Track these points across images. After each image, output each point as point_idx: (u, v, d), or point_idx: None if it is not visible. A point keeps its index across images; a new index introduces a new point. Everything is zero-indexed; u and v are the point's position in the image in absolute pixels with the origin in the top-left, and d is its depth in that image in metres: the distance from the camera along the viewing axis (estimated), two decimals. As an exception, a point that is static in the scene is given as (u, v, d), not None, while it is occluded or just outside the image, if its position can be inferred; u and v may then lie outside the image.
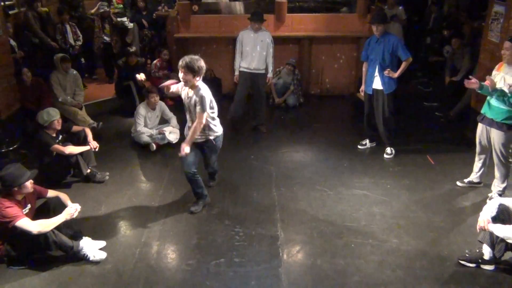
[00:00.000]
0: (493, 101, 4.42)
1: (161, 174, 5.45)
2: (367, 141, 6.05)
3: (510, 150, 4.55)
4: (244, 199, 4.83)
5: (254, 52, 6.25)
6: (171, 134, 6.07)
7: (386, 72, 5.47)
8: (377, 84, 5.59)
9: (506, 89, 4.27)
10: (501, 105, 4.34)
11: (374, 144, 6.03)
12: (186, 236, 4.23)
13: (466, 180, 5.02)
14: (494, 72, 4.49)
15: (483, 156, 4.81)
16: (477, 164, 4.90)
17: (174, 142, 6.04)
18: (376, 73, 5.56)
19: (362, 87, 5.83)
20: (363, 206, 4.71)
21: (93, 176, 5.18)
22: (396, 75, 5.50)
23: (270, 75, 6.46)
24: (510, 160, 4.60)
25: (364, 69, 5.79)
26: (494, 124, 4.45)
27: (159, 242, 4.15)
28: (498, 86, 4.34)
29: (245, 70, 6.37)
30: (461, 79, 7.07)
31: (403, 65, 5.49)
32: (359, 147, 6.04)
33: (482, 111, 4.60)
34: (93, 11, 8.88)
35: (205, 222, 4.45)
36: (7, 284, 3.63)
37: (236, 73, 6.45)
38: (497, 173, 4.66)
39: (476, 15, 8.29)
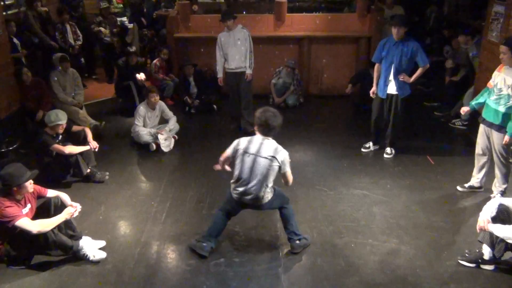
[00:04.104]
0: (491, 103, 4.44)
1: (161, 174, 5.44)
2: (371, 143, 6.01)
3: (510, 151, 4.55)
4: (244, 199, 4.82)
5: (233, 51, 6.27)
6: (166, 141, 6.00)
7: (401, 77, 5.40)
8: (392, 89, 5.49)
9: (505, 90, 4.29)
10: (498, 107, 4.36)
11: (377, 147, 6.01)
12: (186, 236, 4.22)
13: (466, 185, 4.98)
14: (495, 73, 4.51)
15: (482, 159, 4.77)
16: (477, 167, 4.86)
17: (165, 151, 5.97)
18: (391, 77, 5.44)
19: (374, 89, 5.68)
20: (363, 206, 4.70)
21: (93, 176, 5.18)
22: (411, 80, 5.43)
23: (248, 71, 6.40)
24: (511, 160, 4.60)
25: (375, 70, 5.63)
26: (494, 126, 4.46)
27: (159, 242, 4.15)
28: (498, 86, 4.37)
29: (229, 70, 6.43)
30: (461, 79, 7.10)
31: (419, 71, 5.41)
32: (363, 150, 5.98)
33: (482, 113, 4.61)
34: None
35: (205, 222, 4.43)
36: (7, 284, 3.63)
37: (220, 75, 6.47)
38: (497, 173, 4.65)
39: (476, 15, 8.29)
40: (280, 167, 3.76)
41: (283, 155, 3.76)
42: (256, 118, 3.79)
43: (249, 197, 3.79)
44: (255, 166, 3.72)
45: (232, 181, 3.88)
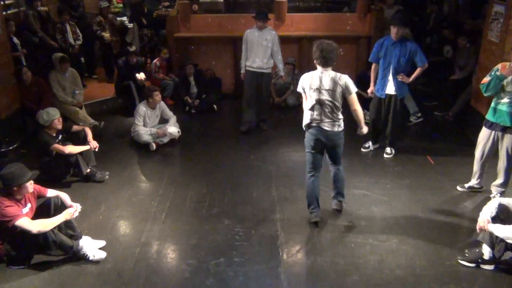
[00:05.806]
0: (504, 107, 4.33)
1: (161, 174, 5.44)
2: (370, 143, 6.00)
3: None
4: (244, 199, 4.83)
5: (258, 51, 6.26)
6: (171, 127, 6.12)
7: (400, 77, 5.39)
8: (391, 89, 5.49)
9: None
10: None
11: (377, 146, 6.00)
12: (186, 236, 4.23)
13: (466, 185, 4.96)
14: (509, 79, 4.26)
15: (483, 162, 4.73)
16: (477, 170, 4.82)
17: (175, 135, 6.10)
18: (390, 78, 5.43)
19: (371, 89, 5.71)
20: (363, 206, 4.71)
21: (93, 175, 5.18)
22: (409, 80, 5.43)
23: (282, 73, 6.53)
24: None
25: (373, 70, 5.63)
26: (510, 129, 4.36)
27: (159, 241, 4.15)
28: (509, 90, 4.25)
29: (249, 69, 6.39)
30: (461, 78, 7.09)
31: (418, 71, 5.40)
32: (362, 150, 5.97)
33: (490, 118, 4.47)
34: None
35: (205, 222, 4.45)
36: (7, 284, 3.63)
37: (242, 71, 6.45)
38: (503, 176, 4.59)
39: (476, 14, 8.28)
40: (343, 93, 4.00)
41: (344, 79, 3.97)
42: (313, 52, 3.97)
43: (326, 124, 4.09)
44: (322, 98, 3.99)
45: (309, 114, 4.11)
